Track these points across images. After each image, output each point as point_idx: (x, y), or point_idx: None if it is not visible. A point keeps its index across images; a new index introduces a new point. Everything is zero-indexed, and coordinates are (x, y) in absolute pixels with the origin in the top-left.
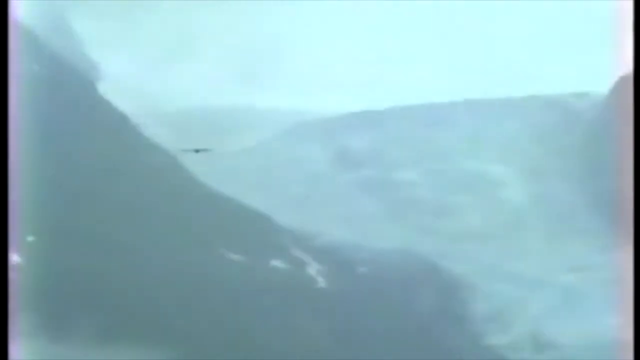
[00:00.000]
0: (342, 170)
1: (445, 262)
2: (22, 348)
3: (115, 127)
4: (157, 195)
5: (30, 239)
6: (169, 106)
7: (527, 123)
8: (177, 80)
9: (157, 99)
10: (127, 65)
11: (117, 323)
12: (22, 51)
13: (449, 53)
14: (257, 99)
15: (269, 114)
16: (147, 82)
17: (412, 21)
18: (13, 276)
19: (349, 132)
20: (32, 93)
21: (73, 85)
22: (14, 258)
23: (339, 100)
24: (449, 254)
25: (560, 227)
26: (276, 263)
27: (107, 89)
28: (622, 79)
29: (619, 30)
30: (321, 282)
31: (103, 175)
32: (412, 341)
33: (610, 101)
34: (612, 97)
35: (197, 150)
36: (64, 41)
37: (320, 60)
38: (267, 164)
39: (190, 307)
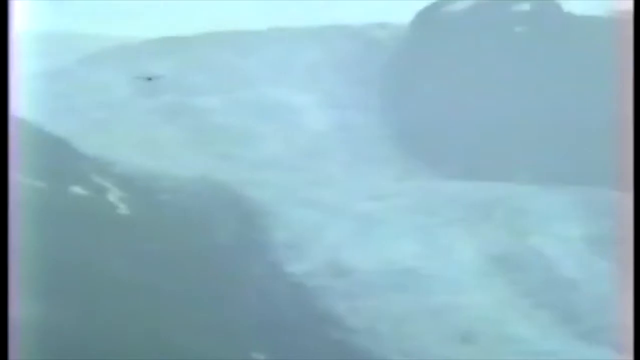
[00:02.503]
0: (142, 97)
1: (246, 190)
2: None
3: None
4: None
5: None
6: None
7: (329, 52)
8: None
9: None
10: None
11: None
12: None
13: None
14: (57, 24)
15: (69, 40)
16: None
17: None
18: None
19: (150, 57)
20: None
21: None
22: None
23: (140, 25)
24: (250, 182)
25: (359, 155)
26: (76, 189)
27: None
28: (424, 10)
29: None
30: (122, 209)
31: None
32: (212, 268)
33: (411, 32)
34: (412, 28)
35: (149, 78)
36: None
37: None
38: (67, 90)
39: None
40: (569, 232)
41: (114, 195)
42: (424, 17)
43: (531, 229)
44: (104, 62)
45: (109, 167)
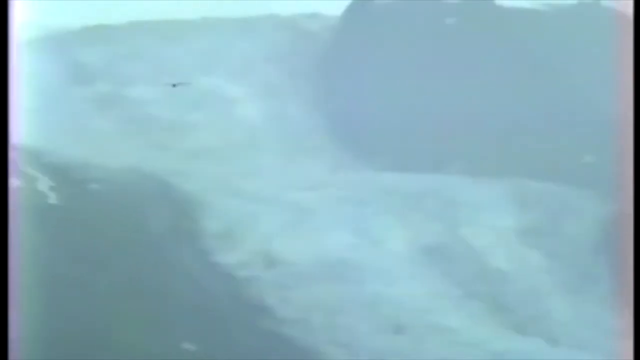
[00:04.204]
0: (73, 86)
1: (178, 180)
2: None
3: None
4: None
5: None
6: None
7: (260, 43)
8: None
9: None
10: None
11: None
12: None
13: None
14: None
15: None
16: None
17: None
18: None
19: (81, 46)
20: None
21: None
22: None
23: (71, 14)
24: (181, 172)
25: (293, 146)
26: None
27: None
28: (354, 2)
29: None
30: (52, 199)
31: None
32: (143, 258)
33: (343, 23)
34: (344, 19)
35: (174, 85)
36: None
37: None
38: None
39: None
40: (499, 223)
41: (44, 185)
42: (355, 8)
43: (462, 220)
44: (34, 51)
45: (40, 156)
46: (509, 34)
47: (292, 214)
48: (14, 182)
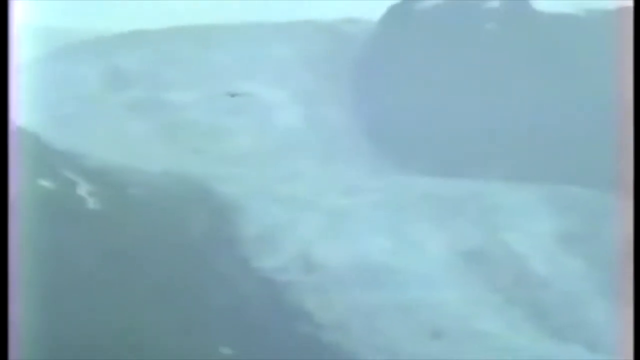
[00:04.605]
0: (112, 91)
1: (217, 185)
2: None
3: None
4: None
5: None
6: None
7: (298, 47)
8: None
9: None
10: None
11: None
12: None
13: None
14: (27, 17)
15: (37, 33)
16: None
17: None
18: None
19: (119, 51)
20: None
21: None
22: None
23: (111, 19)
24: (220, 177)
25: (332, 150)
26: (45, 183)
27: None
28: (395, 6)
29: None
30: (92, 203)
31: None
32: (182, 262)
33: (381, 28)
34: (383, 24)
35: (232, 95)
36: None
37: None
38: (37, 83)
39: None
40: (539, 228)
41: (83, 189)
42: (394, 13)
43: (502, 225)
44: (74, 56)
45: (78, 161)
46: (548, 39)
47: (331, 218)
48: (51, 185)
